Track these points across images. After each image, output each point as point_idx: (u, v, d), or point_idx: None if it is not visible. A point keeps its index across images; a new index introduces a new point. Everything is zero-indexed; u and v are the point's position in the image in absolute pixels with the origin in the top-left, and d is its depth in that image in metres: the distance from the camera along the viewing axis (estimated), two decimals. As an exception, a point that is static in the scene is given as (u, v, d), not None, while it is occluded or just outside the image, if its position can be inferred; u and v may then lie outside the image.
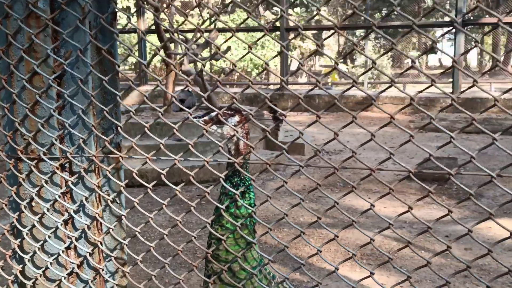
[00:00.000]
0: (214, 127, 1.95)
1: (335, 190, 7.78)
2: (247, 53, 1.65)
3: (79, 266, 1.89)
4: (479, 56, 28.41)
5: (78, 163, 1.83)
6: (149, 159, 1.65)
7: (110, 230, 1.90)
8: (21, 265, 1.96)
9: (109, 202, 1.84)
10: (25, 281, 1.95)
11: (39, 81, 1.80)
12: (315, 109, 14.05)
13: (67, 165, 1.86)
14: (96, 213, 1.85)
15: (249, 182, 1.89)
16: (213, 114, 1.94)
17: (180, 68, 8.83)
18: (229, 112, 1.95)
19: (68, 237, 1.88)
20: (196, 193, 7.29)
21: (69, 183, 1.83)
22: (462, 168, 1.44)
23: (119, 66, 1.74)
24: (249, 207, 1.85)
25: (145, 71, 15.14)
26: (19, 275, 1.96)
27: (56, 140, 1.81)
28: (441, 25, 19.29)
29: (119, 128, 1.85)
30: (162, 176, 1.68)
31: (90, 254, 1.88)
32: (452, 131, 1.40)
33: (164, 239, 1.79)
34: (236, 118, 1.95)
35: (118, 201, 1.95)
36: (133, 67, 24.42)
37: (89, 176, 1.85)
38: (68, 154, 1.80)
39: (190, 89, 10.97)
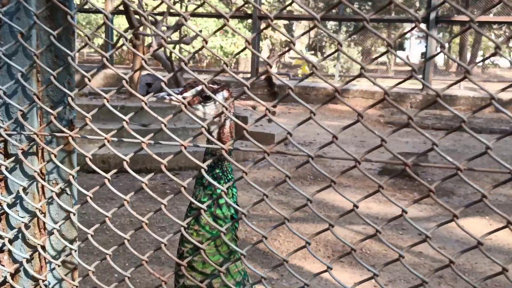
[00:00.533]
0: (199, 106, 1.57)
1: (305, 183, 7.53)
2: (244, 49, 1.35)
3: (13, 275, 1.48)
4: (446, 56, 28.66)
5: (15, 143, 1.42)
6: (108, 141, 1.26)
7: (55, 230, 1.50)
8: None
9: (54, 194, 1.43)
10: None
11: (-35, 34, 1.38)
12: (286, 99, 13.77)
13: (1, 145, 1.45)
14: (37, 208, 1.44)
15: (232, 175, 1.53)
16: (199, 88, 1.56)
17: (148, 50, 8.37)
18: (215, 86, 1.57)
19: (1, 238, 1.47)
20: (160, 182, 6.88)
21: (3, 168, 1.42)
22: (424, 158, 1.20)
23: (72, 18, 1.34)
24: (238, 207, 1.48)
25: (111, 55, 14.52)
26: None
27: (-14, 112, 1.40)
28: (404, 20, 18.88)
29: (71, 101, 1.45)
30: (125, 163, 1.30)
31: (28, 261, 1.47)
32: (422, 128, 1.17)
33: (125, 230, 1.43)
34: (225, 93, 1.58)
35: (68, 193, 1.55)
36: (99, 49, 23.65)
37: (30, 160, 1.45)
38: (2, 131, 1.39)
39: (157, 73, 10.50)
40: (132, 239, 4.99)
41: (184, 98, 1.56)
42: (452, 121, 13.18)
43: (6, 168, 1.44)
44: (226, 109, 1.37)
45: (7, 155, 1.46)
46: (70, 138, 1.38)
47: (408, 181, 7.75)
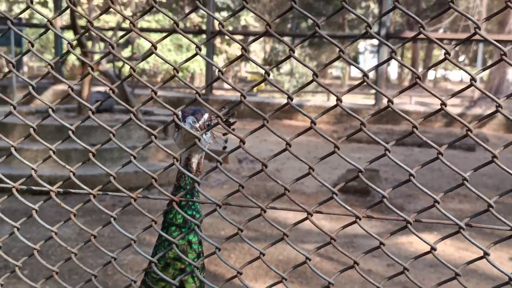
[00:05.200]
0: (207, 136, 1.53)
1: (258, 201, 7.54)
2: (195, 55, 1.37)
3: None
4: (399, 70, 29.42)
5: None
6: (17, 189, 1.24)
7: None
8: None
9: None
10: None
11: None
12: (240, 115, 13.79)
13: None
14: None
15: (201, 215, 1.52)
16: (206, 116, 1.53)
17: (97, 68, 8.26)
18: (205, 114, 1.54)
19: None
20: (110, 203, 6.75)
21: None
22: (375, 174, 1.15)
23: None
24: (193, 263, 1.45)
25: (60, 69, 14.27)
26: None
27: None
28: (357, 36, 19.49)
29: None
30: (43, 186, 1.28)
31: None
32: (371, 143, 1.24)
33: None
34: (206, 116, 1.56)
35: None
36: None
37: None
38: None
39: (107, 91, 10.36)
40: (82, 263, 4.86)
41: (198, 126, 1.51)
42: (402, 135, 13.50)
43: None
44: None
45: None
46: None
47: (359, 197, 7.86)
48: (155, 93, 1.36)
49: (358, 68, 1.35)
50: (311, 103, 15.74)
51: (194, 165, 1.55)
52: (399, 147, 11.63)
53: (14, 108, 1.48)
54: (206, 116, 1.53)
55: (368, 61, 36.50)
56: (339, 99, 1.26)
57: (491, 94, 1.27)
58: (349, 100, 16.31)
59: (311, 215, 1.37)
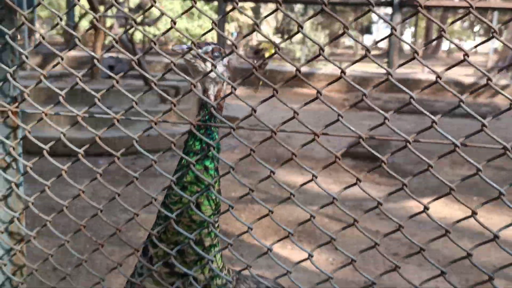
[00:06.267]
0: (204, 64, 1.60)
1: (268, 165, 7.66)
2: (211, 30, 1.46)
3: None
4: (413, 39, 29.11)
5: (-42, 118, 1.48)
6: (46, 114, 1.33)
7: (2, 199, 1.57)
8: None
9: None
10: None
11: None
12: (250, 83, 13.84)
13: None
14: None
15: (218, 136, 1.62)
16: (210, 47, 1.60)
17: (109, 31, 8.31)
18: (219, 49, 1.62)
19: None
20: (124, 165, 6.89)
21: None
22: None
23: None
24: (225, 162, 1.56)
25: (72, 35, 14.30)
26: None
27: None
28: (367, 3, 19.20)
29: (12, 81, 1.51)
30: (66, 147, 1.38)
31: (-26, 229, 1.55)
32: (385, 110, 1.37)
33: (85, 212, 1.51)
34: (225, 61, 1.64)
35: (14, 167, 1.62)
36: (61, 31, 23.15)
37: (-28, 134, 1.51)
38: None
39: (119, 55, 10.48)
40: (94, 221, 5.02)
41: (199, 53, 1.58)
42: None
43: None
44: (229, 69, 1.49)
45: None
46: (10, 112, 1.44)
47: (369, 163, 7.94)
48: (174, 64, 1.44)
49: (360, 43, 1.41)
50: (322, 71, 15.72)
51: (211, 97, 1.63)
52: (412, 116, 11.64)
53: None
54: (209, 47, 1.61)
55: (381, 30, 36.04)
56: (343, 71, 1.32)
57: (505, 64, 1.32)
58: (361, 68, 16.22)
59: (316, 177, 1.44)
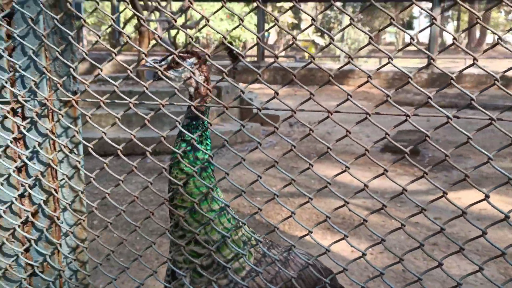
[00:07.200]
0: (172, 71, 1.85)
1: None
2: (238, 25, 1.59)
3: (33, 215, 1.83)
4: (456, 33, 28.56)
5: (31, 107, 1.75)
6: (103, 103, 1.58)
7: (67, 179, 1.83)
8: (-27, 214, 1.89)
9: (63, 147, 1.76)
10: (-22, 231, 1.88)
11: (-14, 20, 1.71)
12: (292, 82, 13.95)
13: (19, 109, 1.78)
14: (50, 159, 1.78)
15: (207, 126, 1.82)
16: (170, 58, 1.85)
17: (153, 36, 8.66)
18: (186, 54, 1.86)
19: (22, 185, 1.81)
20: (168, 164, 7.21)
21: (21, 128, 1.76)
22: (424, 135, 1.39)
23: (71, 5, 1.66)
24: (206, 151, 1.79)
25: (118, 40, 14.86)
26: (-29, 225, 1.89)
27: (6, 83, 1.73)
28: None
29: (75, 74, 1.78)
30: (117, 147, 1.61)
31: (45, 202, 1.82)
32: (426, 106, 1.42)
33: (134, 207, 1.74)
34: (193, 60, 1.87)
35: (76, 152, 1.88)
36: (107, 37, 23.94)
37: (42, 121, 1.78)
38: (19, 98, 1.73)
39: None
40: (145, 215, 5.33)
41: (161, 65, 1.85)
42: (456, 98, 13.33)
43: (24, 128, 1.77)
44: (194, 74, 1.69)
45: (24, 118, 1.78)
46: (73, 102, 1.71)
47: (409, 156, 8.02)
48: (227, 75, 1.61)
49: (405, 32, 1.47)
50: (363, 68, 15.71)
51: (192, 93, 1.85)
52: (451, 110, 11.56)
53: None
54: (169, 58, 1.85)
55: (423, 25, 35.51)
56: (390, 58, 1.36)
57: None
58: (401, 64, 16.15)
59: (348, 168, 1.53)
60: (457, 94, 13.60)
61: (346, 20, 23.34)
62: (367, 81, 1.45)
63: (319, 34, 24.99)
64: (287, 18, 23.49)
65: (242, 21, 1.53)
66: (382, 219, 5.65)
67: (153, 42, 9.88)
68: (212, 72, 1.93)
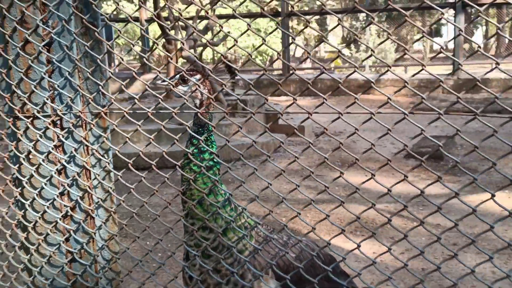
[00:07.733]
0: (181, 87, 2.19)
1: (333, 169, 8.03)
2: (263, 41, 1.84)
3: (72, 209, 2.19)
4: (484, 40, 28.34)
5: (67, 119, 2.12)
6: (126, 113, 1.92)
7: (99, 179, 2.18)
8: (23, 211, 2.26)
9: (95, 152, 2.12)
10: (27, 224, 2.25)
11: (31, 49, 2.10)
12: (315, 92, 14.18)
13: (58, 121, 2.15)
14: (84, 161, 2.14)
15: (211, 130, 2.14)
16: (177, 76, 2.19)
17: (181, 54, 9.08)
18: (191, 72, 2.20)
19: (62, 184, 2.18)
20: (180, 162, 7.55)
21: (60, 137, 2.13)
22: (450, 141, 1.59)
23: (99, 34, 2.02)
24: (212, 151, 2.12)
25: (148, 59, 15.37)
26: (21, 219, 2.27)
27: (47, 99, 2.10)
28: (431, 7, 19.15)
29: (103, 91, 2.13)
30: (144, 160, 1.94)
31: (81, 199, 2.17)
32: (452, 111, 1.55)
33: (165, 217, 2.02)
34: (198, 76, 2.19)
35: (106, 158, 2.23)
36: (137, 57, 24.75)
37: (78, 131, 2.15)
38: (58, 112, 2.09)
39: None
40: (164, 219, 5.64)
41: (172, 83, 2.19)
42: (483, 104, 13.31)
43: (63, 136, 2.14)
44: (199, 86, 2.03)
45: (62, 128, 2.16)
46: (102, 113, 2.06)
47: (433, 162, 8.13)
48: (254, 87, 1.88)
49: (434, 42, 1.62)
50: (388, 76, 15.85)
51: (197, 104, 2.18)
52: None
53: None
54: (196, 76, 2.17)
55: (451, 31, 35.30)
56: (423, 65, 1.53)
57: None
58: (429, 71, 16.13)
59: (374, 175, 1.72)
60: (484, 99, 13.59)
61: (372, 30, 23.47)
62: (404, 86, 1.58)
63: (344, 45, 25.20)
64: (313, 30, 23.78)
65: (265, 41, 1.79)
66: (403, 222, 5.85)
67: (180, 60, 10.30)
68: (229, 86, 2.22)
